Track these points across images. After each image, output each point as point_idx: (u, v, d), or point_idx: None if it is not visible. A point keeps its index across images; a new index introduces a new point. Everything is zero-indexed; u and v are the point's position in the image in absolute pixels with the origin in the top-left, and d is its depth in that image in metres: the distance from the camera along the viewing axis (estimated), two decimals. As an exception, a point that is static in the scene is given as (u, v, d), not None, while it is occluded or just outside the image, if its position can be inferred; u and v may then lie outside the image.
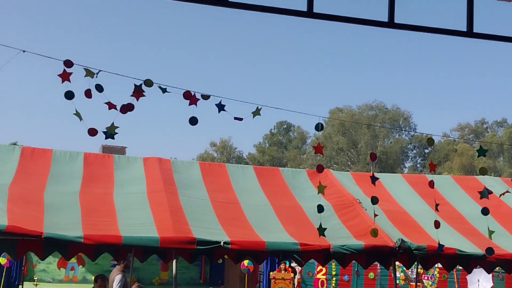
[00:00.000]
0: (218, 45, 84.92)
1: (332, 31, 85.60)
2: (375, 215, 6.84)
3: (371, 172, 8.40)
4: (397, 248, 8.54)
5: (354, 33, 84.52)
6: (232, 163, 59.68)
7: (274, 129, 73.59)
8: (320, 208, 6.51)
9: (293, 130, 73.35)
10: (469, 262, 9.76)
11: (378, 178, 7.35)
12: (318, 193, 6.82)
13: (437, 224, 7.22)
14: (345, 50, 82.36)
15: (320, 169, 6.40)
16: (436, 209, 7.42)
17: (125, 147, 29.80)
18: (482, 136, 61.00)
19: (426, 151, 64.14)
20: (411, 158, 65.18)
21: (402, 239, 8.56)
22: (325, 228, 6.97)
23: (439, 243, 7.80)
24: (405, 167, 62.35)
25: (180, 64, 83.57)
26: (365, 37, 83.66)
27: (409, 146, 64.33)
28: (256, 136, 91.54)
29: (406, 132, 62.85)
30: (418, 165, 63.70)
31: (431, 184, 7.39)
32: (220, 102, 5.83)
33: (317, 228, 6.92)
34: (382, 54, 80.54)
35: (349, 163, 58.95)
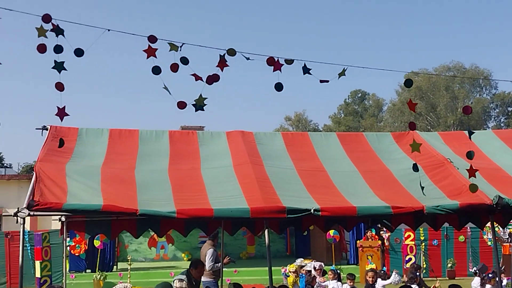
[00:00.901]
0: (293, 13, 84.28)
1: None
2: (472, 170, 6.54)
3: (459, 131, 8.07)
4: (494, 205, 8.20)
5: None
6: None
7: (348, 99, 72.73)
8: (416, 167, 6.30)
9: (368, 98, 72.22)
10: None
11: (474, 132, 7.03)
12: (412, 151, 6.59)
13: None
14: (416, 14, 79.92)
15: (412, 126, 6.18)
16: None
17: (203, 126, 30.20)
18: None
19: (510, 109, 61.67)
20: (494, 118, 62.89)
21: (499, 196, 8.21)
22: (424, 187, 6.74)
23: None
24: (488, 127, 60.24)
25: (260, 33, 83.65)
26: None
27: (491, 105, 62.03)
28: (330, 107, 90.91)
29: (487, 91, 60.62)
30: (502, 124, 61.39)
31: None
32: (305, 65, 5.74)
33: (420, 186, 6.71)
34: (456, 13, 77.61)
35: (429, 127, 57.50)
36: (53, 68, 5.09)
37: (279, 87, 5.65)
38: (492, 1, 76.91)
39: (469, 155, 6.50)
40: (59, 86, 5.06)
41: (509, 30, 76.79)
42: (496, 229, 15.45)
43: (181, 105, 5.37)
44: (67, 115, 5.22)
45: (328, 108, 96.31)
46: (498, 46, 77.93)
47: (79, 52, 5.15)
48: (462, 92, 57.90)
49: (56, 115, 5.15)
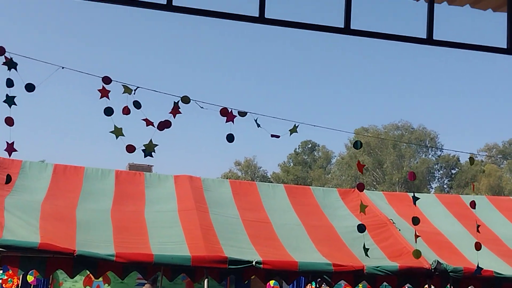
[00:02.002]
0: (248, 65, 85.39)
1: (359, 49, 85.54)
2: (417, 236, 6.67)
3: (403, 192, 8.22)
4: (432, 270, 8.35)
5: (379, 52, 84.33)
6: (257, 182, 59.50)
7: (298, 149, 73.44)
8: (361, 228, 6.38)
9: (318, 150, 73.10)
10: (502, 284, 9.52)
11: (419, 198, 7.19)
12: (360, 212, 6.68)
13: (478, 246, 7.01)
14: (370, 70, 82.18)
15: (360, 187, 6.27)
16: (478, 231, 7.23)
17: (151, 166, 29.88)
18: (510, 157, 60.13)
19: (453, 171, 63.37)
20: (438, 179, 64.43)
21: (438, 261, 8.37)
22: (368, 249, 6.82)
23: (478, 266, 7.60)
24: (432, 188, 61.61)
25: (214, 83, 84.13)
26: (390, 56, 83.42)
27: (436, 166, 63.63)
28: (280, 155, 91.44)
29: (433, 153, 62.25)
30: (445, 186, 62.92)
31: (473, 204, 7.19)
32: (257, 119, 5.78)
33: (363, 248, 6.77)
34: (408, 73, 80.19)
35: (375, 183, 58.47)
36: (4, 102, 4.99)
37: (230, 138, 5.65)
38: (442, 67, 79.80)
39: (415, 221, 6.63)
40: (9, 121, 4.95)
41: (457, 95, 79.64)
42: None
43: (130, 149, 5.30)
44: (15, 150, 5.08)
45: (278, 156, 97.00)
46: (446, 110, 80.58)
47: (30, 87, 5.05)
48: (409, 151, 59.32)
49: (4, 150, 5.02)
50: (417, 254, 6.69)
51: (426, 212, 10.45)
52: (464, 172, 60.14)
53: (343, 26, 4.90)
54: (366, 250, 6.78)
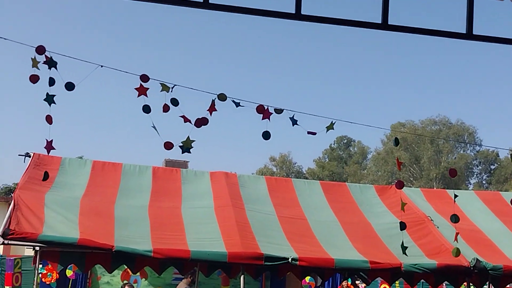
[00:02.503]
0: (284, 62, 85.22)
1: (396, 45, 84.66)
2: (456, 234, 6.57)
3: (441, 189, 8.11)
4: (471, 268, 8.22)
5: (417, 47, 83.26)
6: (291, 178, 59.44)
7: (334, 144, 73.05)
8: (403, 225, 6.31)
9: (354, 145, 72.60)
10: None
11: (458, 196, 7.08)
12: (402, 209, 6.61)
13: (518, 244, 6.87)
14: (408, 65, 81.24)
15: (400, 185, 6.20)
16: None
17: (187, 161, 30.07)
18: (551, 152, 58.68)
19: (492, 167, 62.23)
20: (476, 174, 63.36)
21: (477, 259, 8.23)
22: (406, 247, 6.74)
23: None
24: (470, 184, 60.62)
25: (250, 80, 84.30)
26: (428, 51, 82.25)
27: (474, 162, 62.55)
28: (315, 151, 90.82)
29: (471, 148, 61.20)
30: (483, 182, 61.84)
31: (515, 202, 7.03)
32: (293, 116, 5.76)
33: (401, 246, 6.71)
34: (447, 68, 79.04)
35: (411, 178, 57.80)
36: (44, 100, 5.08)
37: (267, 135, 5.65)
38: (481, 61, 78.43)
39: (454, 219, 6.52)
40: (49, 119, 5.04)
41: (496, 89, 78.21)
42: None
43: (168, 145, 5.34)
44: (54, 148, 5.18)
45: (313, 151, 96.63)
46: (485, 104, 79.17)
47: (69, 86, 5.14)
48: (447, 146, 58.43)
49: (44, 147, 5.12)
50: (457, 252, 6.58)
51: (465, 209, 10.29)
52: (503, 168, 58.98)
53: (380, 22, 4.84)
54: (404, 248, 6.71)
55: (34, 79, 5.02)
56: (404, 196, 10.05)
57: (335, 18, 4.79)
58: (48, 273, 20.56)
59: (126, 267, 9.19)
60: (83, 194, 9.08)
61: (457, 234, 6.60)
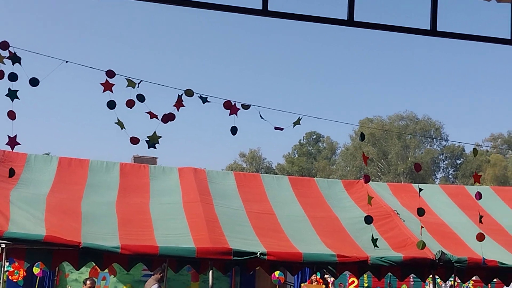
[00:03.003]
0: (251, 57, 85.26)
1: (363, 41, 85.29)
2: (422, 227, 6.69)
3: (407, 183, 8.23)
4: (437, 261, 8.36)
5: (383, 43, 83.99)
6: (261, 173, 59.50)
7: (303, 140, 73.41)
8: (368, 219, 6.39)
9: (323, 141, 73.05)
10: (507, 274, 9.54)
11: (422, 189, 7.21)
12: (368, 203, 6.70)
13: (481, 237, 7.01)
14: (374, 61, 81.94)
15: (366, 179, 6.28)
16: (480, 221, 7.23)
17: (156, 158, 29.91)
18: (515, 147, 59.93)
19: (458, 161, 63.25)
20: (443, 169, 64.35)
21: (442, 251, 8.38)
22: (377, 239, 6.83)
23: (483, 258, 7.60)
24: (437, 178, 61.55)
25: (217, 76, 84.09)
26: (395, 47, 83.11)
27: (441, 156, 63.51)
28: (285, 146, 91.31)
29: (438, 143, 62.09)
30: (450, 176, 62.83)
31: (479, 196, 7.19)
32: (260, 112, 5.79)
33: (371, 239, 6.79)
34: (413, 64, 79.98)
35: (379, 173, 58.42)
36: (6, 95, 5.01)
37: (234, 130, 5.67)
38: (446, 58, 79.56)
39: (420, 212, 6.62)
40: (11, 115, 4.96)
41: (462, 85, 79.42)
42: (438, 280, 15.68)
43: (134, 140, 5.32)
44: (18, 144, 5.11)
45: (282, 147, 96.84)
46: (451, 100, 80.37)
47: (34, 82, 5.07)
48: (414, 141, 59.18)
49: (6, 144, 5.04)
50: (422, 245, 6.69)
51: (431, 203, 10.46)
52: (469, 162, 60.02)
53: (346, 18, 4.89)
54: (374, 241, 6.80)
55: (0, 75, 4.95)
56: (371, 190, 10.19)
57: (302, 14, 4.82)
58: (15, 271, 20.27)
59: (94, 264, 9.11)
60: (49, 190, 8.98)
61: (422, 227, 6.72)
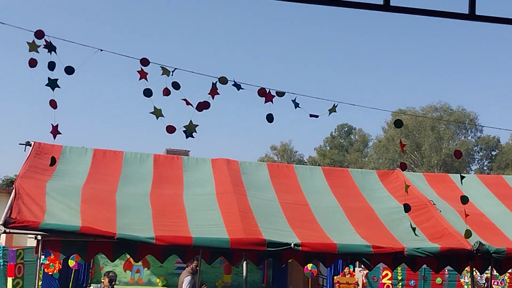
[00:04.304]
0: (286, 46, 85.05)
1: (397, 29, 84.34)
2: (467, 215, 6.54)
3: (443, 173, 8.06)
4: (474, 251, 8.20)
5: (419, 31, 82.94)
6: (293, 166, 59.29)
7: (335, 132, 73.00)
8: (407, 207, 6.29)
9: (354, 133, 72.54)
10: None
11: (465, 177, 7.04)
12: (405, 191, 6.58)
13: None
14: (407, 50, 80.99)
15: (403, 166, 6.18)
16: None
17: (188, 151, 30.06)
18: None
19: (493, 153, 62.18)
20: (477, 161, 63.34)
21: (480, 242, 8.21)
22: (415, 228, 6.72)
23: None
24: (471, 170, 60.63)
25: (251, 64, 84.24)
26: (429, 35, 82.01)
27: (475, 148, 62.52)
28: (316, 139, 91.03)
29: (472, 134, 61.13)
30: (485, 168, 61.83)
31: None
32: (295, 99, 5.72)
33: (410, 227, 6.69)
34: (447, 53, 78.80)
35: (413, 166, 57.78)
36: (46, 85, 5.04)
37: (270, 118, 5.61)
38: (482, 46, 78.23)
39: (463, 200, 6.48)
40: (53, 104, 5.00)
41: (497, 75, 78.03)
42: (474, 273, 15.44)
43: (170, 129, 5.30)
44: (60, 133, 5.14)
45: (314, 140, 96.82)
46: (485, 90, 79.10)
47: (69, 70, 5.09)
48: (448, 133, 58.34)
49: (50, 132, 5.08)
50: (468, 234, 6.53)
51: (468, 192, 10.11)
52: (504, 154, 58.96)
53: (382, 3, 4.79)
54: (413, 229, 6.68)
55: (32, 63, 4.99)
56: (406, 181, 10.01)
57: (340, 0, 4.74)
58: (51, 264, 20.61)
59: (128, 256, 9.17)
60: (85, 182, 9.05)
61: (467, 215, 6.56)
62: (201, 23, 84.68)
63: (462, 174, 6.93)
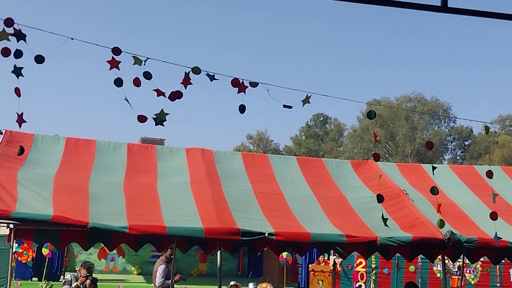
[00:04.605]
0: (259, 36, 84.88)
1: (370, 21, 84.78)
2: (439, 205, 6.62)
3: (416, 163, 8.14)
4: (446, 241, 8.31)
5: (392, 25, 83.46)
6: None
7: (310, 122, 73.26)
8: (380, 198, 6.33)
9: (330, 123, 72.88)
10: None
11: (436, 167, 7.12)
12: (378, 181, 6.65)
13: (494, 216, 6.93)
14: (382, 41, 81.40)
15: (376, 157, 6.22)
16: (494, 201, 7.15)
17: (163, 139, 29.96)
18: (524, 128, 59.56)
19: (466, 143, 62.99)
20: (451, 150, 64.14)
21: (451, 231, 8.32)
22: (387, 218, 6.78)
23: (496, 235, 7.52)
24: (445, 160, 61.38)
25: (224, 55, 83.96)
26: (403, 27, 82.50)
27: (449, 138, 63.27)
28: (292, 128, 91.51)
29: (446, 124, 61.83)
30: (458, 157, 62.63)
31: (490, 174, 7.10)
32: (268, 90, 5.71)
33: (382, 218, 6.75)
34: (421, 44, 79.39)
35: (387, 155, 58.31)
36: (12, 72, 4.96)
37: (242, 109, 5.60)
38: (456, 38, 79.11)
39: (433, 191, 6.55)
40: (17, 91, 4.92)
41: (470, 66, 78.99)
42: (446, 261, 15.67)
43: (142, 119, 5.26)
44: (25, 121, 5.06)
45: (289, 129, 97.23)
46: (459, 81, 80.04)
47: (39, 59, 5.01)
48: (422, 123, 58.94)
49: (16, 121, 5.00)
50: (442, 223, 6.61)
51: (440, 183, 10.34)
52: (477, 144, 59.80)
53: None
54: (385, 220, 6.74)
55: (5, 52, 4.90)
56: (379, 170, 10.10)
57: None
58: (24, 252, 20.46)
59: (102, 244, 9.12)
60: (57, 171, 8.95)
61: (439, 205, 6.64)
62: (175, 13, 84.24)
63: (433, 165, 6.99)
